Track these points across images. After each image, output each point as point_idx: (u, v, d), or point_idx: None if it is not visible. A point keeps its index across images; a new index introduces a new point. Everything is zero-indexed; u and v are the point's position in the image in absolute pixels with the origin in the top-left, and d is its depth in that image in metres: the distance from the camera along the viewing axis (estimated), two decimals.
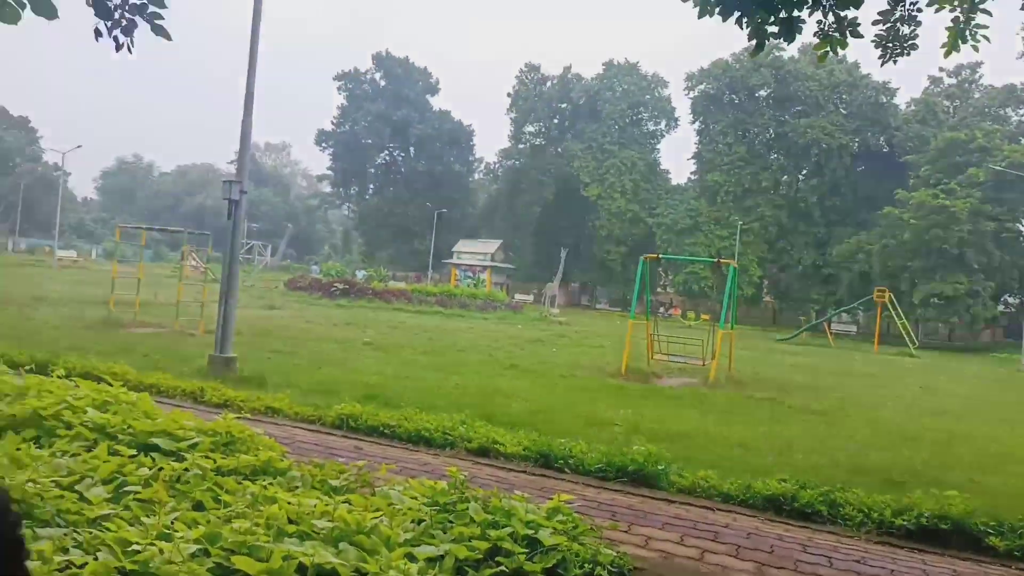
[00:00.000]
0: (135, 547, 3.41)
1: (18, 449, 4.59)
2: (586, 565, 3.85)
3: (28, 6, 2.56)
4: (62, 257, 57.16)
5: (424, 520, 4.06)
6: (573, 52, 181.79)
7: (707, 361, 16.19)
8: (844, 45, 4.90)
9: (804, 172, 60.42)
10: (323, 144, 77.01)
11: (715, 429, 9.62)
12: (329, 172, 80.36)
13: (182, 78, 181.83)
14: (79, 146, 72.22)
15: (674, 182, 68.17)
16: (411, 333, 21.60)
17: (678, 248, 57.66)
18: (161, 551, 3.33)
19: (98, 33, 3.15)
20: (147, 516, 3.89)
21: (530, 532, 3.92)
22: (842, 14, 4.71)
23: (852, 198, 56.85)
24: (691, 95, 63.06)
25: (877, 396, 15.76)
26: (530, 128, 72.22)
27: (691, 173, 67.02)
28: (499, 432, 7.21)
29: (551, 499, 4.40)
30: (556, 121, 71.00)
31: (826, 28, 4.81)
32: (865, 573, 4.69)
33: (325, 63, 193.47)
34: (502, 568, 3.60)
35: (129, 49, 3.25)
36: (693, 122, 63.92)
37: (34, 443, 4.94)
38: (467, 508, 4.12)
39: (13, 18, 2.67)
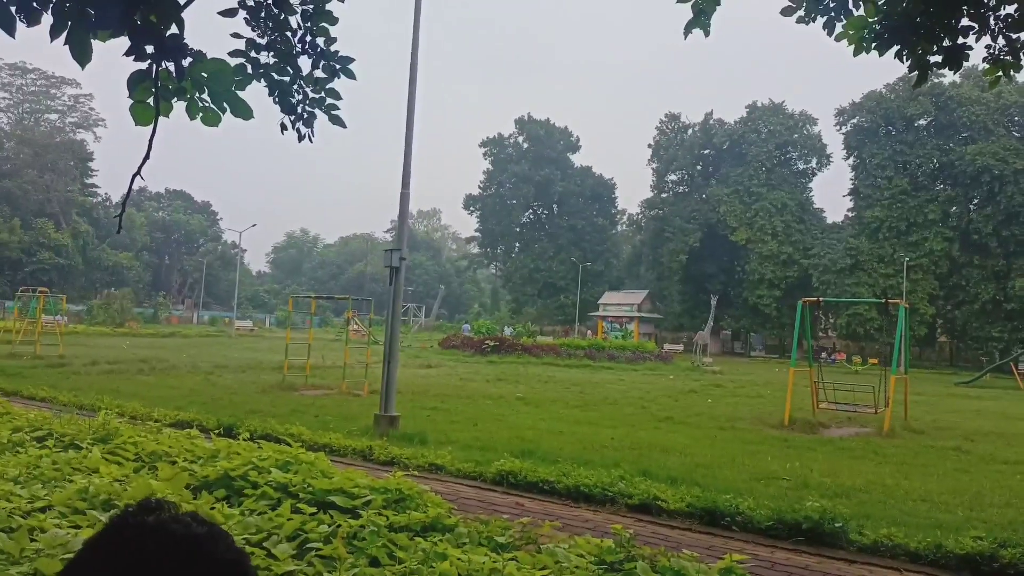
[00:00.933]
0: None
1: (212, 508, 5.00)
2: None
3: (228, 110, 2.90)
4: (240, 327, 62.14)
5: None
6: (713, 99, 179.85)
7: (879, 409, 15.10)
8: (1019, 68, 4.57)
9: (975, 202, 55.85)
10: (471, 208, 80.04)
11: (893, 482, 8.93)
12: (477, 234, 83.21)
13: (343, 155, 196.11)
14: (254, 225, 79.33)
15: (829, 220, 65.04)
16: (562, 387, 21.66)
17: (838, 289, 54.62)
18: None
19: (283, 127, 3.51)
20: (328, 572, 4.12)
21: None
22: (1014, 36, 4.41)
23: None
24: (843, 130, 60.39)
25: None
26: (672, 176, 71.66)
27: (848, 210, 63.68)
28: (660, 488, 7.05)
29: (721, 559, 4.25)
30: (699, 168, 70.08)
31: (996, 52, 4.52)
32: None
33: (471, 131, 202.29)
34: None
35: (310, 139, 3.59)
36: (847, 157, 61.01)
37: (225, 502, 5.37)
38: (635, 567, 4.06)
39: (214, 120, 3.02)
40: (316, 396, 16.63)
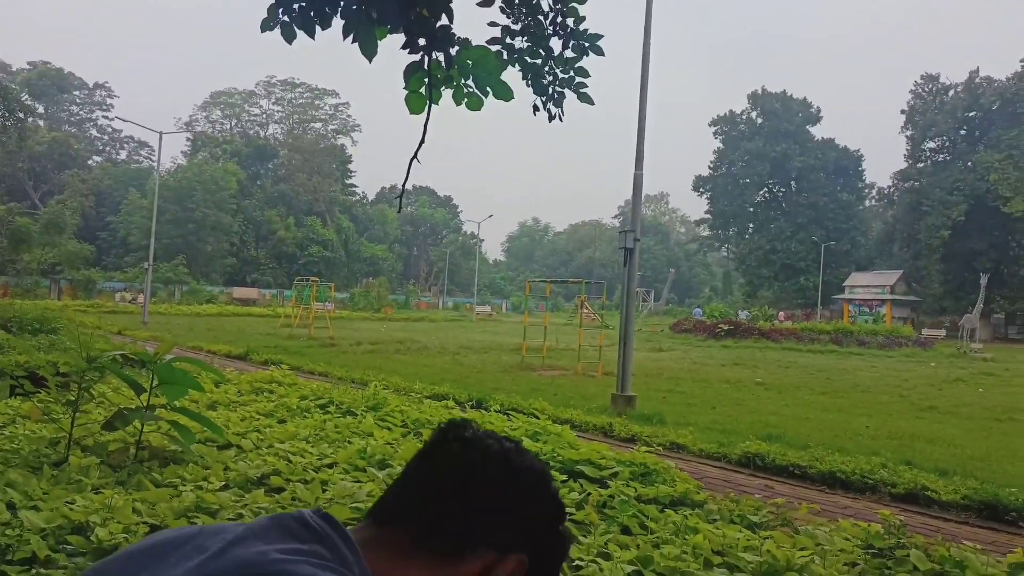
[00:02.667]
0: (577, 563, 3.77)
1: None
2: None
3: (491, 93, 3.09)
4: (479, 312, 65.72)
5: (859, 564, 3.81)
6: (978, 55, 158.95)
7: None
8: None
9: None
10: (700, 189, 77.83)
11: None
12: (707, 216, 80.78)
13: (572, 145, 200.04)
14: (490, 216, 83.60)
15: None
16: (805, 373, 20.44)
17: None
18: (601, 568, 3.63)
19: (536, 108, 3.68)
20: (583, 536, 4.27)
21: None
22: None
23: None
24: None
25: None
26: (931, 144, 64.45)
27: None
28: (928, 477, 6.45)
29: (1011, 552, 3.82)
30: (963, 132, 62.35)
31: None
32: None
33: (699, 113, 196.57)
34: None
35: (560, 118, 3.73)
36: None
37: None
38: (907, 555, 3.77)
39: (478, 105, 3.23)
40: (553, 376, 17.16)
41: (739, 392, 15.06)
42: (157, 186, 38.35)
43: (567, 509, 4.33)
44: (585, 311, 25.10)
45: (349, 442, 6.39)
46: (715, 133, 77.26)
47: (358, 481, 5.08)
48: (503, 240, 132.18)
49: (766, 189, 75.70)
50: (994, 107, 58.71)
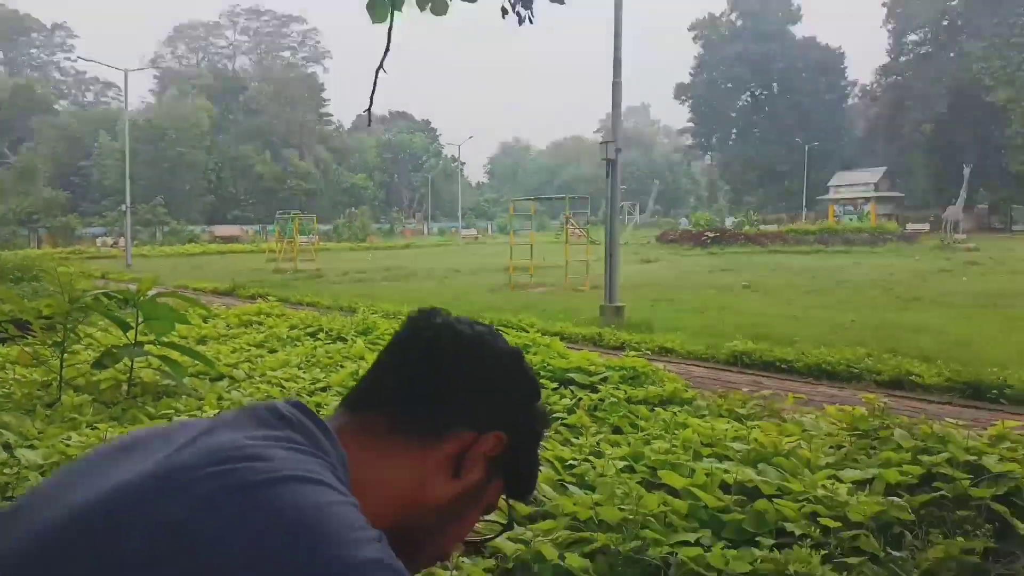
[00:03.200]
0: (570, 462, 3.85)
1: None
2: None
3: None
4: (465, 236, 65.57)
5: (844, 446, 3.91)
6: None
7: None
8: None
9: None
10: (682, 97, 76.69)
11: None
12: (690, 124, 79.88)
13: (549, 61, 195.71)
14: (470, 137, 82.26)
15: None
16: (791, 274, 20.63)
17: None
18: (593, 466, 3.71)
19: (504, 11, 3.55)
20: (575, 438, 4.35)
21: (972, 458, 3.54)
22: None
23: None
24: None
25: None
26: (913, 36, 63.39)
27: None
28: (912, 363, 6.59)
29: (992, 426, 3.93)
30: (945, 23, 61.21)
31: None
32: None
33: (680, 16, 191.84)
34: (942, 493, 3.32)
35: (530, 20, 3.60)
36: None
37: None
38: (892, 434, 3.87)
39: (442, 10, 3.11)
40: (541, 293, 17.25)
41: (726, 297, 15.19)
42: (127, 127, 37.41)
43: (559, 415, 4.39)
44: (571, 227, 25.05)
45: (341, 366, 6.44)
46: (695, 38, 75.63)
47: None
48: (485, 162, 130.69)
49: (748, 93, 74.73)
50: None
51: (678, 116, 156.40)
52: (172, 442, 0.70)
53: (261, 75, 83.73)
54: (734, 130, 76.59)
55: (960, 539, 2.99)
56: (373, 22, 3.20)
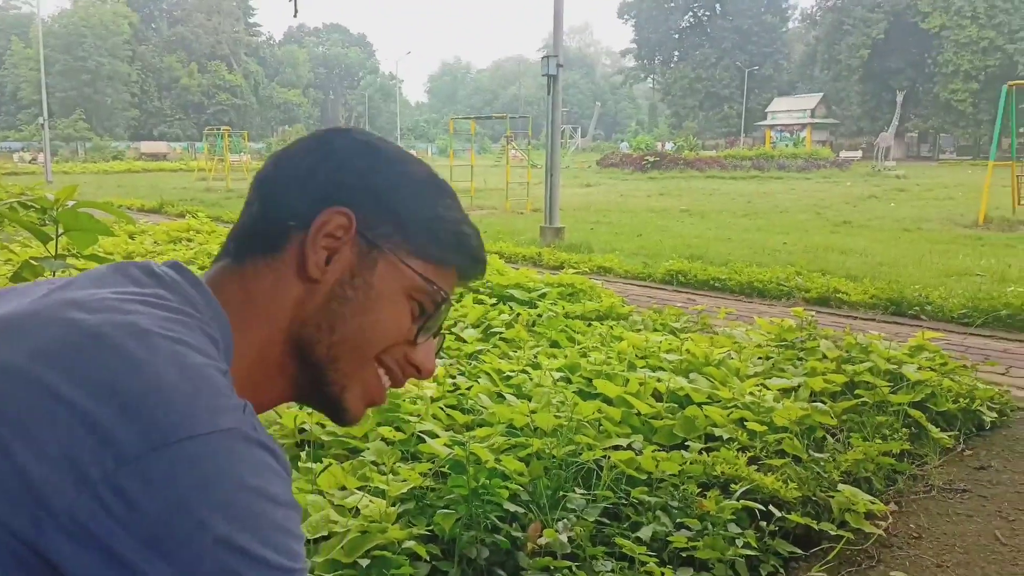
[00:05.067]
0: (508, 374, 3.88)
1: None
2: (960, 400, 3.55)
3: None
4: None
5: (772, 357, 4.04)
6: None
7: None
8: None
9: None
10: (625, 16, 75.58)
11: None
12: (632, 45, 78.99)
13: None
14: (408, 53, 79.81)
15: None
16: (728, 198, 20.95)
17: None
18: (530, 378, 3.74)
19: None
20: (513, 352, 4.38)
21: (892, 367, 3.70)
22: None
23: None
24: None
25: None
26: None
27: None
28: (840, 282, 6.80)
29: (911, 338, 4.10)
30: None
31: None
32: None
33: None
34: (863, 400, 3.47)
35: None
36: None
37: None
38: (817, 345, 4.01)
39: None
40: (481, 215, 17.12)
41: (664, 220, 15.35)
42: (40, 33, 34.94)
43: (497, 330, 4.37)
44: (512, 149, 24.76)
45: None
46: None
47: None
48: (424, 81, 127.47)
49: (691, 13, 74.07)
50: None
51: (621, 37, 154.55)
52: (26, 295, 0.63)
53: None
54: (676, 52, 76.13)
55: (878, 442, 3.14)
56: None
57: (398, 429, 2.99)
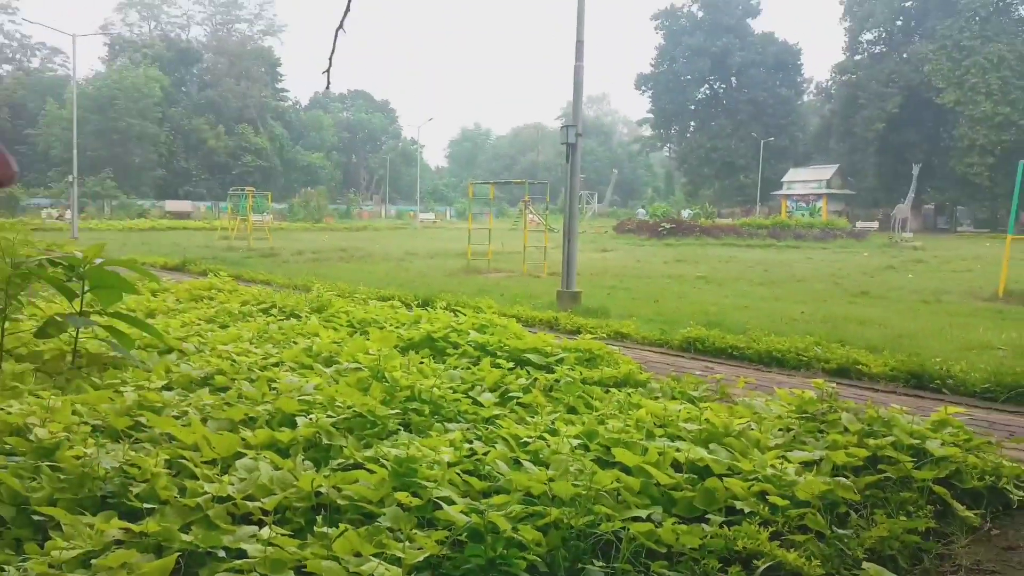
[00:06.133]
0: (525, 440, 3.85)
1: (421, 362, 5.41)
2: (986, 477, 3.48)
3: None
4: (423, 219, 65.13)
5: (793, 428, 3.99)
6: None
7: None
8: None
9: None
10: (642, 87, 77.02)
11: None
12: (649, 115, 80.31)
13: (512, 47, 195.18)
14: (430, 119, 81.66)
15: None
16: (744, 266, 20.98)
17: None
18: (548, 444, 3.72)
19: None
20: (530, 417, 4.36)
21: (915, 442, 3.65)
22: None
23: None
24: None
25: None
26: (868, 35, 64.74)
27: None
28: (860, 353, 6.75)
29: (934, 412, 4.05)
30: (900, 23, 62.66)
31: None
32: None
33: (641, 5, 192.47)
34: (886, 475, 3.41)
35: None
36: None
37: (430, 359, 5.78)
38: (839, 418, 3.96)
39: None
40: (499, 278, 17.23)
41: (681, 286, 15.37)
42: (75, 94, 36.24)
43: (515, 394, 4.36)
44: (529, 212, 25.05)
45: (294, 342, 6.34)
46: (656, 28, 75.98)
47: (305, 376, 5.06)
48: (444, 146, 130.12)
49: (707, 86, 75.43)
50: None
51: (638, 107, 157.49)
52: None
53: (215, 47, 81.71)
54: (692, 122, 77.32)
55: (903, 519, 3.08)
56: None
57: (415, 495, 2.97)
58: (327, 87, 3.72)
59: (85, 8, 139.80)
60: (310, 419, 3.88)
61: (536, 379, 5.08)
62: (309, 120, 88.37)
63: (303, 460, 3.47)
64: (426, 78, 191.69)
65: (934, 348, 7.87)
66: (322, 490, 3.02)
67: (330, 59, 3.05)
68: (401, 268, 18.95)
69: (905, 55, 60.46)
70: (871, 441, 3.64)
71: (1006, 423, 5.03)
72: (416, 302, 10.11)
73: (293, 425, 3.86)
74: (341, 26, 2.89)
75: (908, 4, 61.43)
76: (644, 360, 7.03)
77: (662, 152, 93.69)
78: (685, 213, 52.28)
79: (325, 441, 3.71)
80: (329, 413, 4.05)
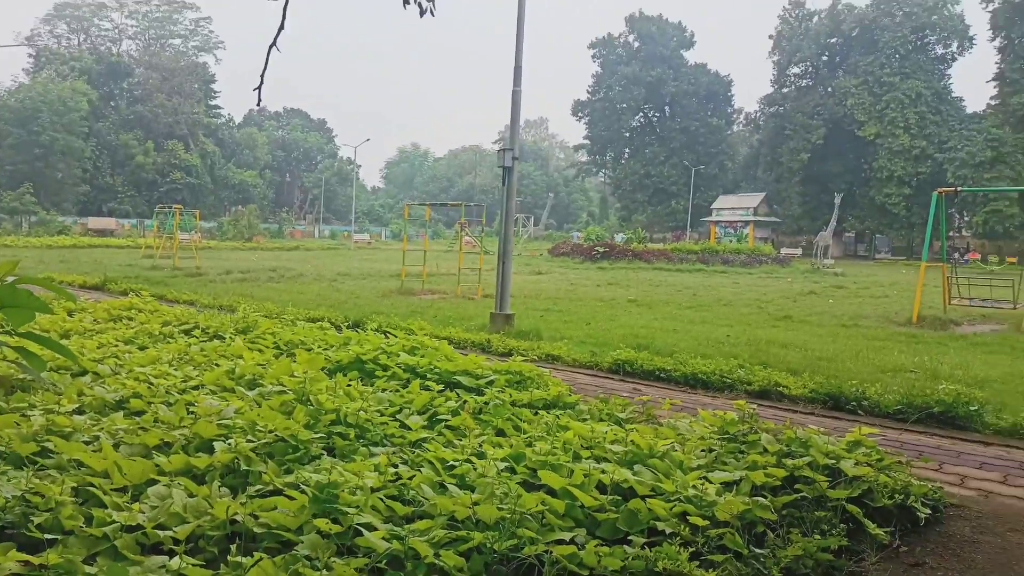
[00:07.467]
0: (452, 464, 3.82)
1: (348, 385, 5.32)
2: (896, 496, 3.61)
3: None
4: (358, 240, 64.44)
5: (715, 449, 4.07)
6: None
7: (1019, 305, 14.16)
8: None
9: None
10: (579, 114, 78.40)
11: None
12: (585, 141, 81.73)
13: (451, 70, 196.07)
14: (367, 140, 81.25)
15: (969, 110, 59.78)
16: (674, 290, 21.41)
17: (976, 184, 50.71)
18: (474, 467, 3.70)
19: (406, 1, 3.51)
20: (458, 440, 4.33)
21: (830, 462, 3.76)
22: None
23: None
24: (990, 8, 54.70)
25: None
26: (795, 69, 67.47)
27: (991, 98, 58.32)
28: (781, 375, 6.95)
29: (849, 433, 4.19)
30: (825, 58, 65.52)
31: None
32: None
33: (579, 33, 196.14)
34: (802, 495, 3.50)
35: (432, 12, 3.58)
36: (993, 38, 55.51)
37: (359, 382, 5.69)
38: (759, 439, 4.06)
39: None
40: (433, 299, 17.15)
41: (612, 309, 15.58)
42: None
43: (443, 417, 4.32)
44: (464, 235, 25.07)
45: (216, 364, 6.16)
46: (593, 56, 77.63)
47: (225, 400, 4.92)
48: (382, 166, 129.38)
49: (642, 114, 77.23)
50: (854, 34, 61.81)
51: (575, 132, 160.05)
52: None
53: (148, 62, 79.59)
54: (627, 149, 78.98)
55: (817, 538, 3.16)
56: None
57: (335, 521, 2.91)
58: (258, 104, 3.66)
59: (8, 17, 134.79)
60: (229, 444, 3.77)
61: (465, 401, 5.06)
62: (243, 138, 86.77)
63: (220, 487, 3.36)
64: (365, 98, 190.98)
65: (851, 371, 8.16)
66: (238, 518, 2.93)
67: (262, 76, 3.01)
68: (333, 289, 18.69)
69: (830, 89, 63.18)
70: (789, 461, 3.74)
71: (915, 443, 5.24)
72: (346, 323, 9.97)
73: (211, 450, 3.74)
74: (274, 44, 2.86)
75: (833, 40, 64.31)
76: (574, 382, 7.08)
77: (597, 177, 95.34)
78: (619, 237, 53.21)
79: (244, 467, 3.60)
80: (249, 438, 3.94)
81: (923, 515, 3.62)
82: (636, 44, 75.78)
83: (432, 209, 26.93)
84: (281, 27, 2.84)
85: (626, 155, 79.02)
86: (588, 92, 77.84)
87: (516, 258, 35.30)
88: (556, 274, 28.33)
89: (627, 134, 77.72)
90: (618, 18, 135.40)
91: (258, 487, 3.40)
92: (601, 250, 38.04)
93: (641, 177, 74.11)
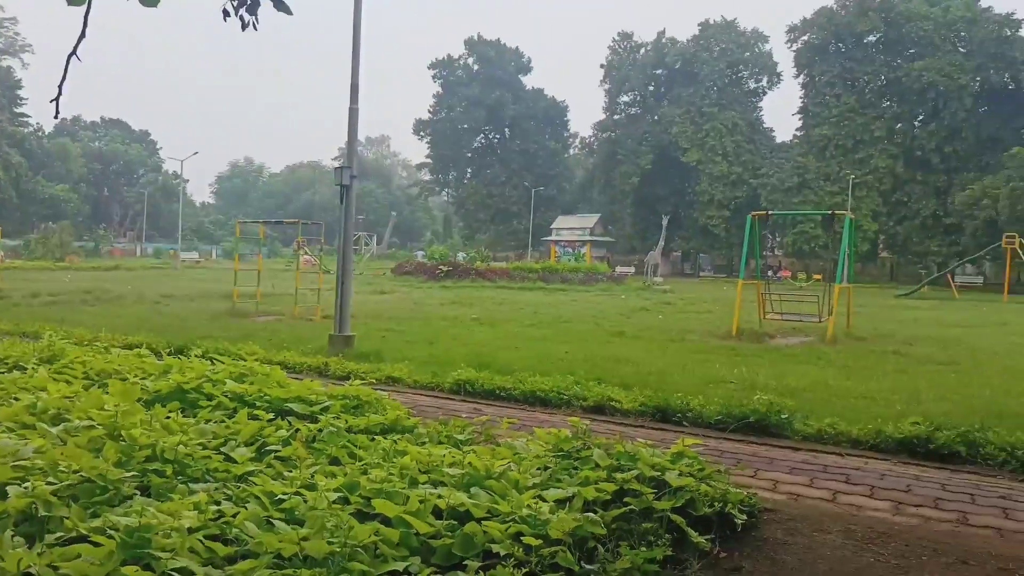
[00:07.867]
0: (280, 497, 3.64)
1: (167, 417, 4.95)
2: (715, 504, 3.82)
3: None
4: (185, 259, 60.77)
5: (550, 467, 4.13)
6: (667, 16, 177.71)
7: (824, 318, 15.61)
8: None
9: (920, 118, 56.87)
10: (421, 133, 78.50)
11: (837, 383, 9.28)
12: (428, 160, 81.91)
13: (287, 84, 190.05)
14: (195, 153, 76.48)
15: (779, 140, 65.70)
16: (516, 308, 21.81)
17: (786, 207, 55.63)
18: (305, 500, 3.54)
19: (226, 13, 3.34)
20: (288, 471, 4.13)
21: (656, 474, 3.93)
22: None
23: (974, 142, 53.02)
24: (794, 47, 60.50)
25: (1010, 344, 14.77)
26: (625, 98, 71.18)
27: (796, 129, 64.35)
28: (614, 391, 7.22)
29: (674, 444, 4.40)
30: (651, 88, 69.63)
31: None
32: (1013, 508, 4.45)
33: (419, 52, 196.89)
34: (631, 508, 3.62)
35: (255, 27, 3.43)
36: (797, 75, 61.40)
37: (180, 413, 5.31)
38: (591, 454, 4.17)
39: (154, 1, 2.85)
40: (268, 321, 16.46)
41: (456, 328, 15.62)
42: None
43: (273, 447, 4.10)
44: (305, 255, 24.31)
45: (15, 399, 5.54)
46: (434, 77, 78.11)
47: (25, 439, 4.43)
48: (212, 181, 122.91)
49: (483, 135, 78.58)
50: (676, 66, 66.14)
51: (417, 151, 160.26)
52: None
53: None
54: (469, 169, 80.00)
55: (644, 549, 3.28)
56: (69, 3, 2.85)
57: (147, 567, 2.68)
58: (56, 116, 3.34)
59: None
60: (25, 487, 3.38)
61: (298, 430, 4.84)
62: (54, 149, 79.66)
63: (12, 536, 3.00)
64: (193, 109, 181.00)
65: (678, 384, 8.63)
66: (32, 570, 2.63)
67: (60, 87, 2.74)
68: (156, 311, 17.50)
69: (656, 117, 67.17)
70: (618, 475, 3.86)
71: (734, 451, 5.60)
72: (168, 350, 9.34)
73: (4, 496, 3.35)
74: (74, 53, 2.62)
75: (658, 72, 68.51)
76: (415, 404, 7.00)
77: (441, 196, 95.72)
78: (461, 256, 53.63)
79: (43, 512, 3.25)
80: (51, 479, 3.56)
81: (740, 521, 3.86)
82: (476, 67, 77.10)
83: (268, 227, 25.91)
84: (82, 35, 2.61)
85: (468, 175, 79.99)
86: (430, 112, 78.23)
87: (359, 277, 34.59)
88: (400, 293, 28.08)
89: (469, 154, 78.75)
90: (458, 40, 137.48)
91: (59, 534, 3.07)
92: (445, 269, 38.16)
93: (483, 197, 75.27)
